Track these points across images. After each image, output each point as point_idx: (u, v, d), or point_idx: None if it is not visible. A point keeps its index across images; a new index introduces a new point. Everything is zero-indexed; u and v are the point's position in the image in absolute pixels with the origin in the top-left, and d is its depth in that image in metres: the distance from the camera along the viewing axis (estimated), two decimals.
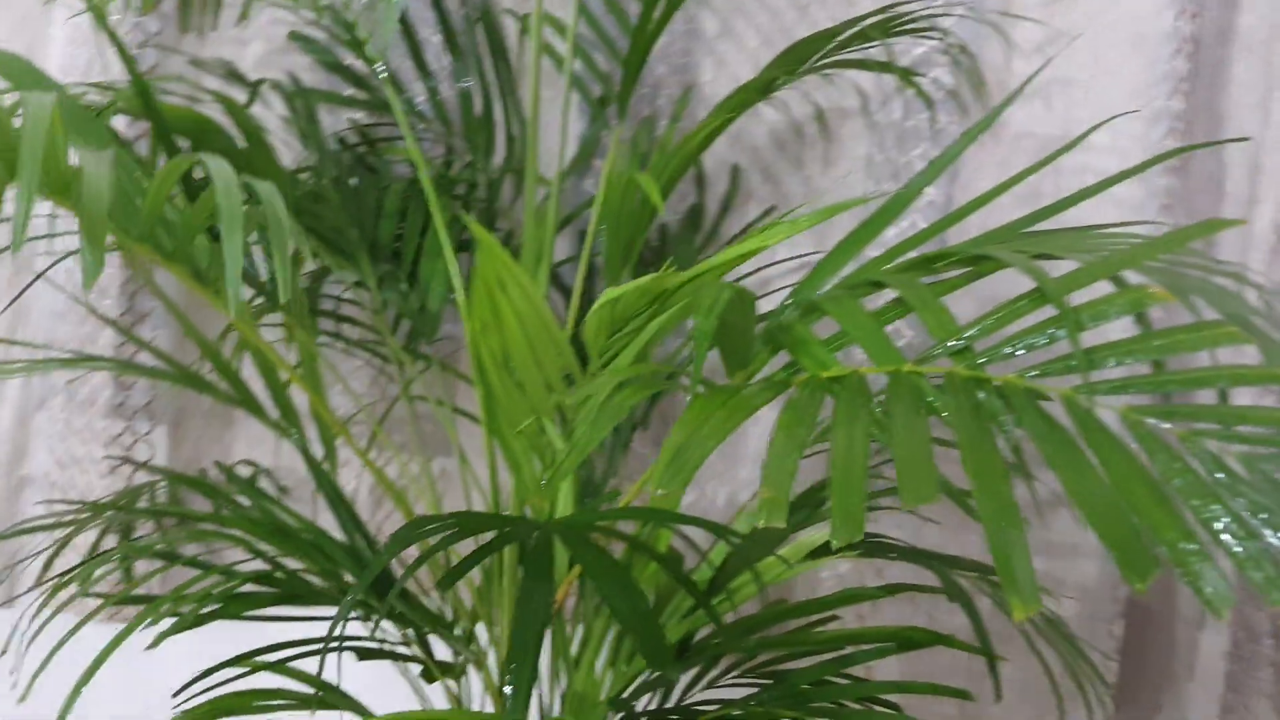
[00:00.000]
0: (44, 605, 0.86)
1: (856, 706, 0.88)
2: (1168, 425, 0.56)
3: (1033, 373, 0.61)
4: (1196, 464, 0.54)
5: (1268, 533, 0.52)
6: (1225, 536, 0.51)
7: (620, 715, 0.92)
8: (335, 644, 0.92)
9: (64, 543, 0.95)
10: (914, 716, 0.87)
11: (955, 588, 0.92)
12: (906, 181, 1.19)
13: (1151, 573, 0.49)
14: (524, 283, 0.83)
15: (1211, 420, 0.56)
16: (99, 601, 0.91)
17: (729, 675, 0.98)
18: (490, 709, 1.04)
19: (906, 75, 1.09)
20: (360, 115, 1.35)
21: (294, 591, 0.91)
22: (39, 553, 0.98)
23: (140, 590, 0.98)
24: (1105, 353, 0.59)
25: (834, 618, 1.03)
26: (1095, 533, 0.51)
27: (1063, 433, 0.56)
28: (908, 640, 0.92)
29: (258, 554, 0.92)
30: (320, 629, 1.02)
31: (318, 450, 1.11)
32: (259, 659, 0.87)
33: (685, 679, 1.01)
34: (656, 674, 1.01)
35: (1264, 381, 0.55)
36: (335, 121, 1.37)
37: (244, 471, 1.10)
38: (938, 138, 1.16)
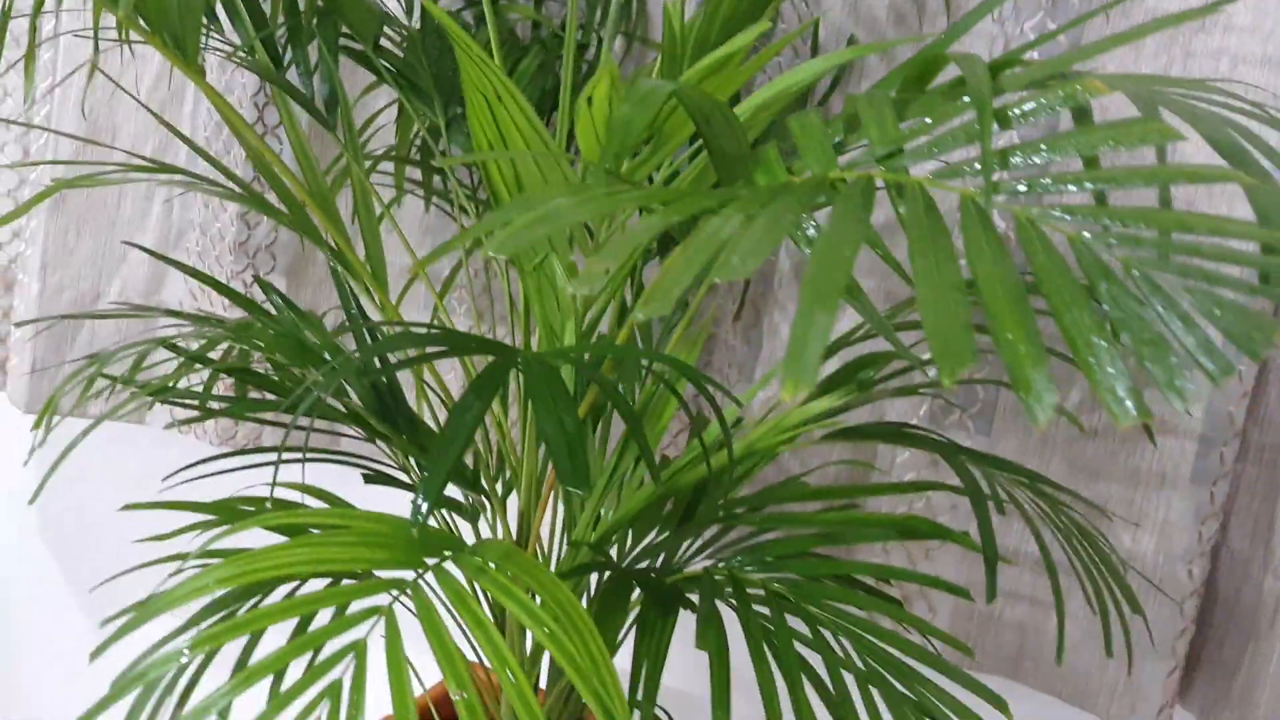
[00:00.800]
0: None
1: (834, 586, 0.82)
2: (1067, 228, 0.48)
3: (970, 174, 0.54)
4: (1077, 269, 0.47)
5: (1139, 349, 0.44)
6: (1083, 344, 0.44)
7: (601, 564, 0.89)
8: (324, 454, 0.93)
9: (198, 358, 0.98)
10: (891, 596, 0.80)
11: (970, 478, 0.83)
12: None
13: (963, 365, 0.42)
14: (517, 94, 0.80)
15: (1127, 224, 0.48)
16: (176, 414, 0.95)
17: (733, 549, 0.94)
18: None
19: None
20: None
21: (297, 403, 0.92)
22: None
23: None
24: (1020, 151, 0.51)
25: (853, 505, 0.96)
26: (922, 317, 0.44)
27: (939, 224, 0.49)
28: (911, 530, 0.85)
29: (272, 362, 0.94)
30: (345, 452, 1.03)
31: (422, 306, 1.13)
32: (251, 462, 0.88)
33: (688, 548, 0.97)
34: (662, 538, 0.97)
35: (1204, 180, 0.46)
36: None
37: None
38: (1054, 8, 1.04)
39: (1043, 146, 0.50)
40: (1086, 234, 0.46)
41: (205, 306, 1.45)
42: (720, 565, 0.84)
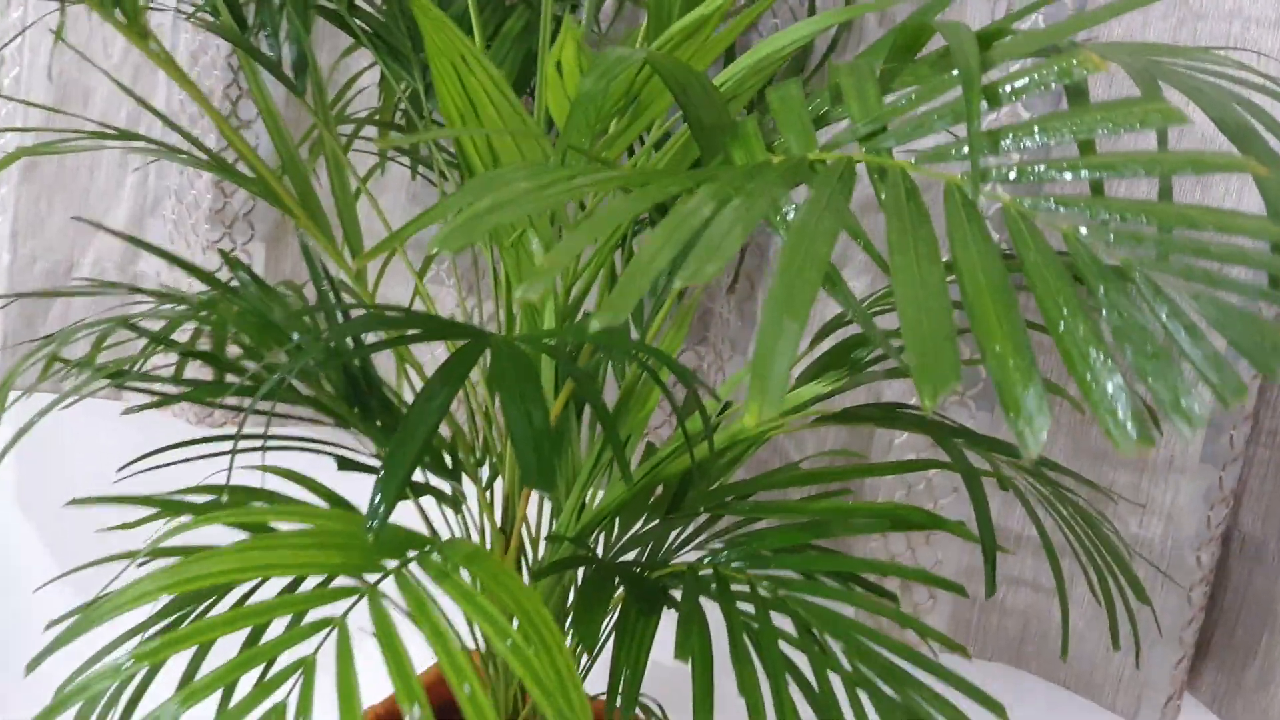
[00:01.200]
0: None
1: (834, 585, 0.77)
2: (1062, 220, 0.43)
3: (957, 158, 0.49)
4: (1069, 270, 0.42)
5: (1140, 363, 0.39)
6: (1078, 357, 0.39)
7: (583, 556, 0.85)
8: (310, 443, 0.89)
9: (159, 339, 0.94)
10: (875, 594, 0.76)
11: (964, 462, 0.79)
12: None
13: (945, 386, 0.38)
14: (483, 59, 0.75)
15: (1126, 218, 0.43)
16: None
17: (726, 538, 0.90)
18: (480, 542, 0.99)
19: None
20: None
21: (260, 386, 0.87)
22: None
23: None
24: (1011, 133, 0.46)
25: (847, 490, 0.92)
26: (901, 324, 0.40)
27: (921, 214, 0.44)
28: (903, 520, 0.80)
29: (238, 343, 0.89)
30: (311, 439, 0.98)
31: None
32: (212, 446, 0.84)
33: (676, 537, 0.93)
34: (649, 527, 0.93)
35: (1209, 169, 0.41)
36: None
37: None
38: None
39: (1035, 129, 0.45)
40: (1083, 229, 0.41)
41: (182, 278, 1.41)
42: (706, 560, 0.80)
